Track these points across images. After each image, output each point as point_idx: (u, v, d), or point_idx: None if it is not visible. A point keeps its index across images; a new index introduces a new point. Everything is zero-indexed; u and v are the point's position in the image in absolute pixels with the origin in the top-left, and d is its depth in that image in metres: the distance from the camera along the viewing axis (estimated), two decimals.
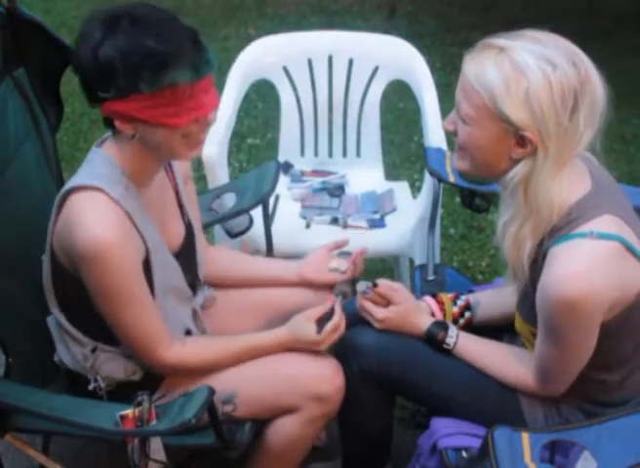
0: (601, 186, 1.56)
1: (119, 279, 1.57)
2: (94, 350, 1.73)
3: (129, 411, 1.51)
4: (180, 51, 1.48)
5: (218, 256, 2.00)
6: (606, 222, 1.49)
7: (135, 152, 1.61)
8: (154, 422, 1.52)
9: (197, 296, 1.90)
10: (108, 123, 1.59)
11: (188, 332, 1.84)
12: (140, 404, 1.52)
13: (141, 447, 1.56)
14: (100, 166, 1.62)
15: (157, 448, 1.57)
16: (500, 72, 1.46)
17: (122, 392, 1.70)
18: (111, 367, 1.74)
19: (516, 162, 1.52)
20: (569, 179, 1.51)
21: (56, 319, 1.76)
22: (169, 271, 1.75)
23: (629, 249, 1.49)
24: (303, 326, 1.77)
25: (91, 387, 1.75)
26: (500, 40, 1.49)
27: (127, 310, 1.62)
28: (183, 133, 1.55)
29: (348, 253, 1.99)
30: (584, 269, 1.45)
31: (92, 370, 1.74)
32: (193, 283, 1.87)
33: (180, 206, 1.83)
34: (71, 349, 1.75)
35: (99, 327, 1.67)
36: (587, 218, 1.49)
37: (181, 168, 1.86)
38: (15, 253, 1.79)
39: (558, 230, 1.52)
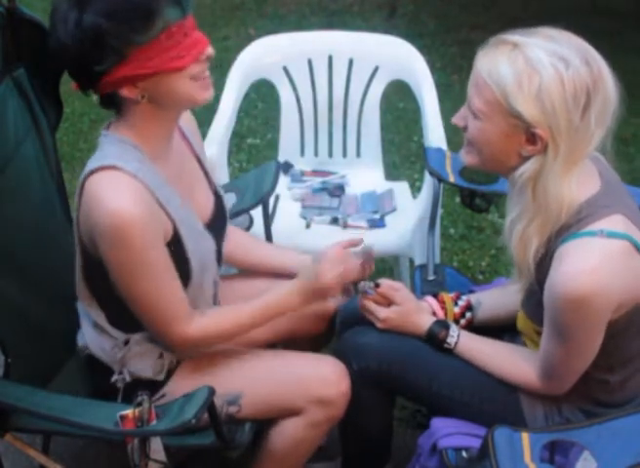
0: (610, 186, 1.56)
1: (141, 253, 1.54)
2: (126, 342, 1.73)
3: (129, 411, 1.51)
4: None
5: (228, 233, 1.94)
6: (615, 222, 1.49)
7: (145, 120, 1.59)
8: (154, 422, 1.52)
9: (219, 269, 1.88)
10: (109, 101, 1.58)
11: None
12: (140, 404, 1.52)
13: (141, 447, 1.56)
14: (110, 146, 1.60)
15: (157, 449, 1.57)
16: (512, 68, 1.45)
17: (140, 388, 1.68)
18: (142, 362, 1.73)
19: (526, 159, 1.51)
20: (578, 178, 1.51)
21: (88, 310, 1.75)
22: (202, 244, 1.72)
23: (638, 248, 1.49)
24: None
25: (113, 379, 1.73)
26: (515, 36, 1.49)
27: (148, 286, 1.58)
28: (190, 75, 1.54)
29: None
30: (593, 267, 1.45)
31: (120, 361, 1.73)
32: (220, 255, 1.84)
33: (206, 175, 1.82)
34: (102, 339, 1.74)
35: (131, 320, 1.67)
36: (597, 217, 1.49)
37: (196, 138, 1.84)
38: (14, 252, 1.79)
39: (567, 228, 1.51)
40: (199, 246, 1.70)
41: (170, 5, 1.48)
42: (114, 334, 1.73)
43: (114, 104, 1.59)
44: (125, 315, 1.67)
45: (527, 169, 1.51)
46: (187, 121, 1.79)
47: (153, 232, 1.56)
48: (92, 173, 1.55)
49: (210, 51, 1.56)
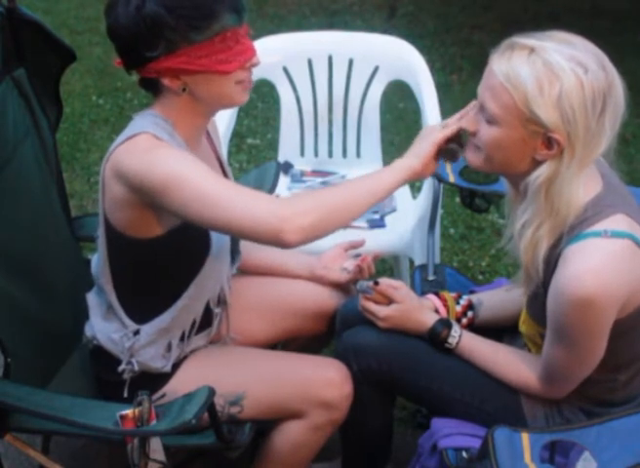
0: (612, 186, 1.56)
1: (197, 177, 1.51)
2: (136, 333, 1.73)
3: (129, 411, 1.51)
4: None
5: None
6: (618, 221, 1.49)
7: (183, 108, 1.63)
8: (154, 422, 1.52)
9: (233, 266, 1.89)
10: (150, 85, 1.62)
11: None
12: (140, 404, 1.52)
13: (141, 447, 1.55)
14: (142, 119, 1.63)
15: (157, 449, 1.56)
16: (532, 72, 1.44)
17: (144, 381, 1.71)
18: (151, 352, 1.74)
19: (538, 163, 1.50)
20: (585, 180, 1.51)
21: (101, 295, 1.77)
22: None
23: None
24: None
25: (120, 368, 1.74)
26: (530, 40, 1.47)
27: (223, 202, 1.51)
28: (236, 79, 1.59)
29: (361, 255, 1.99)
30: (597, 268, 1.45)
31: (128, 351, 1.73)
32: (234, 251, 1.86)
33: (225, 176, 1.84)
34: (111, 328, 1.75)
35: (145, 311, 1.70)
36: (601, 217, 1.49)
37: (217, 137, 1.88)
38: (14, 252, 1.79)
39: (572, 229, 1.51)
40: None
41: (229, 11, 1.54)
42: (126, 322, 1.74)
43: (153, 88, 1.63)
44: (139, 302, 1.70)
45: (541, 173, 1.49)
46: (210, 121, 1.81)
47: (202, 166, 1.56)
48: (119, 145, 1.57)
49: (256, 60, 1.62)
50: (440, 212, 2.60)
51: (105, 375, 1.80)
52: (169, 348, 1.76)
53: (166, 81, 1.58)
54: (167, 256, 1.68)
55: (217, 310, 1.84)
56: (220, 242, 1.73)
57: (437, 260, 2.29)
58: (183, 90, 1.59)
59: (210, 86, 1.59)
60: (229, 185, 1.57)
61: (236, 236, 1.69)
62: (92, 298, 1.81)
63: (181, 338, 1.78)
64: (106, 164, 1.60)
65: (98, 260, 1.76)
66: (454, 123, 1.63)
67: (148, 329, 1.74)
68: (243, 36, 1.59)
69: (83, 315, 1.83)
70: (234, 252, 1.87)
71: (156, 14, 1.51)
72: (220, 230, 1.59)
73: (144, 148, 1.55)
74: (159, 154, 1.54)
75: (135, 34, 1.53)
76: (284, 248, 1.51)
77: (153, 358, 1.74)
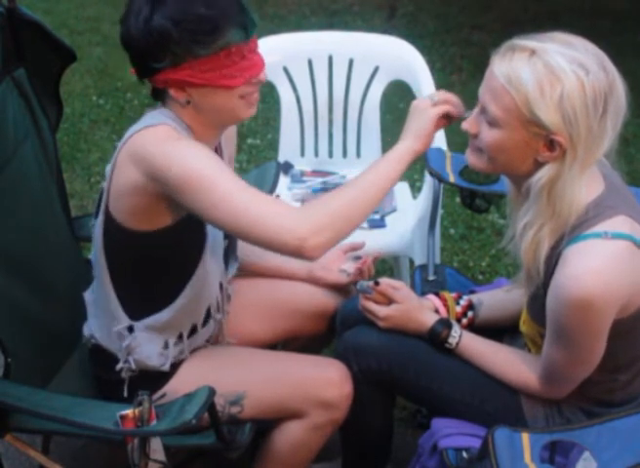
0: (614, 187, 1.56)
1: (216, 179, 1.51)
2: (131, 330, 1.73)
3: (129, 411, 1.51)
4: (229, 13, 1.55)
5: None
6: (619, 222, 1.49)
7: (190, 120, 1.63)
8: (154, 422, 1.52)
9: (228, 269, 1.89)
10: (159, 94, 1.64)
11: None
12: (140, 404, 1.52)
13: (141, 447, 1.55)
14: (159, 114, 1.63)
15: (157, 449, 1.56)
16: (533, 75, 1.44)
17: (143, 381, 1.71)
18: (147, 350, 1.73)
19: (540, 165, 1.50)
20: (587, 181, 1.51)
21: (97, 293, 1.76)
22: (215, 230, 1.72)
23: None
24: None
25: (118, 367, 1.74)
26: (531, 42, 1.47)
27: (237, 202, 1.51)
28: (240, 93, 1.60)
29: (360, 257, 1.99)
30: (598, 269, 1.45)
31: (125, 349, 1.73)
32: (227, 255, 1.86)
33: None
34: (108, 326, 1.75)
35: (141, 307, 1.71)
36: (603, 218, 1.49)
37: (229, 149, 1.87)
38: (15, 252, 1.79)
39: (573, 230, 1.51)
40: (213, 230, 1.71)
41: (235, 27, 1.55)
42: (121, 318, 1.73)
43: (161, 98, 1.65)
44: (136, 296, 1.71)
45: (543, 175, 1.49)
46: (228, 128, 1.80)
47: (211, 153, 1.58)
48: (135, 133, 1.58)
49: (262, 76, 1.62)
50: (440, 212, 2.60)
51: (104, 374, 1.80)
52: (166, 346, 1.76)
53: (172, 92, 1.59)
54: (164, 250, 1.68)
55: (218, 316, 1.85)
56: (214, 236, 1.73)
57: (437, 260, 2.29)
58: (188, 102, 1.60)
59: (214, 100, 1.60)
60: (249, 192, 1.54)
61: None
62: (88, 296, 1.81)
63: (179, 338, 1.77)
64: (123, 147, 1.60)
65: (94, 253, 1.75)
66: (442, 96, 1.63)
67: (143, 326, 1.73)
68: (250, 51, 1.59)
69: (83, 315, 1.83)
70: (229, 256, 1.86)
71: (162, 27, 1.53)
72: (236, 237, 1.62)
73: (165, 137, 1.56)
74: (179, 146, 1.54)
75: (143, 46, 1.56)
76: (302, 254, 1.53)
77: (150, 356, 1.74)
